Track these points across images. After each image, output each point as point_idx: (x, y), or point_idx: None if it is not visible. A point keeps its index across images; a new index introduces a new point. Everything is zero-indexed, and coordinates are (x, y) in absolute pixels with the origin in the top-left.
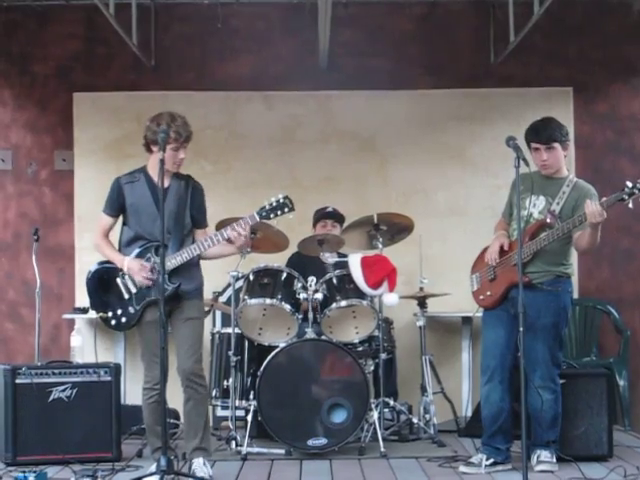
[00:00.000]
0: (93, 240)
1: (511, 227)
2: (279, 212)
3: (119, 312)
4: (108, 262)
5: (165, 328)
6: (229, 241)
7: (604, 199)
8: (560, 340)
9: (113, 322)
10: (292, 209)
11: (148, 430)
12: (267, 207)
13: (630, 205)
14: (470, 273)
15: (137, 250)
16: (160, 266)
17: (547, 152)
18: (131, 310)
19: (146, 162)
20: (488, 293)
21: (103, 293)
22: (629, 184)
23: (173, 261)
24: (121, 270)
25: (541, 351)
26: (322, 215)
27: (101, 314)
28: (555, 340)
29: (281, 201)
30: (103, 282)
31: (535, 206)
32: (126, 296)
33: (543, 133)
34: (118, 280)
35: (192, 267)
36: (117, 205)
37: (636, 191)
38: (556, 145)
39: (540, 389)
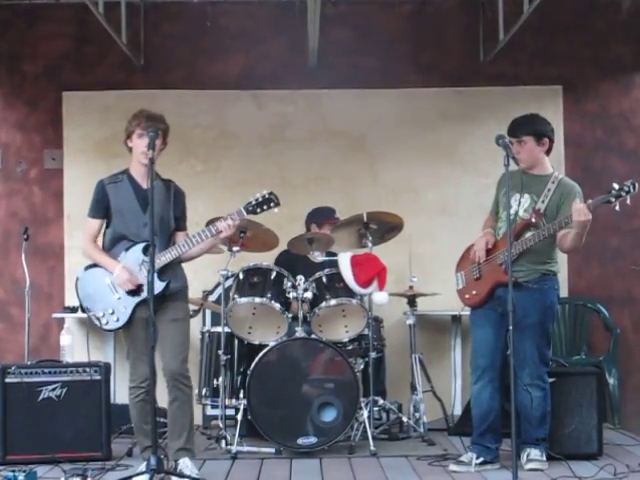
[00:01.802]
0: (82, 246)
1: (497, 225)
2: (265, 207)
3: (110, 312)
4: (95, 265)
5: (155, 327)
6: (216, 235)
7: (590, 201)
8: (547, 338)
9: (105, 322)
10: (277, 204)
11: (136, 429)
12: (253, 202)
13: (617, 207)
14: (455, 271)
15: (124, 252)
16: (150, 265)
17: (518, 146)
18: (122, 310)
19: None
20: (474, 292)
21: (94, 295)
22: (615, 186)
23: (163, 258)
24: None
25: (529, 349)
26: (324, 222)
27: (93, 315)
28: (542, 338)
29: (266, 196)
30: (93, 285)
31: (521, 204)
32: (117, 296)
33: (514, 127)
34: (107, 281)
35: (177, 267)
36: (102, 207)
37: (623, 193)
38: (527, 139)
39: (529, 387)
